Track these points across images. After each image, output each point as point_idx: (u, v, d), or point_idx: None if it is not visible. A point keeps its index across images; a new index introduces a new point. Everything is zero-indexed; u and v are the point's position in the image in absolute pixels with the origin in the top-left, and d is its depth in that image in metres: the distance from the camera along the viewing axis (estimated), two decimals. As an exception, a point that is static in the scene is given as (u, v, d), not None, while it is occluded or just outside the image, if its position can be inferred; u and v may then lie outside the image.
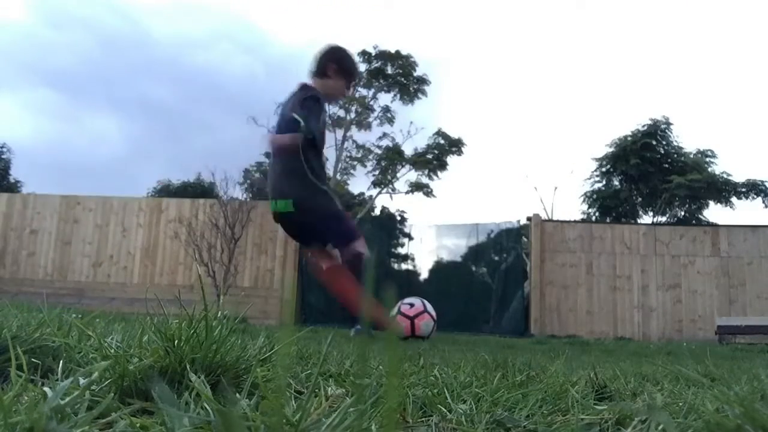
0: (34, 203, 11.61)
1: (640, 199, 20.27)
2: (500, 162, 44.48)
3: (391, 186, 20.56)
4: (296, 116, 4.03)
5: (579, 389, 1.13)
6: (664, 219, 19.57)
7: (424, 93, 20.82)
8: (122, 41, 41.03)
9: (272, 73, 39.32)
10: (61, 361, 0.86)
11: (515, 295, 11.08)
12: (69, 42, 42.66)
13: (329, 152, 19.80)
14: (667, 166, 19.90)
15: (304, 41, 39.33)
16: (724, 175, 19.03)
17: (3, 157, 23.86)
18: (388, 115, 20.57)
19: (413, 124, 22.34)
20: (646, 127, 20.24)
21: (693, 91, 41.01)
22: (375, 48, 20.48)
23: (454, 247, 12.51)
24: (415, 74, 20.67)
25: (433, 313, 5.07)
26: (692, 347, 6.00)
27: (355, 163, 20.67)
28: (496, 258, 11.94)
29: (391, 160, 20.24)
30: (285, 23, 44.55)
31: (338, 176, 20.30)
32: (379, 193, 20.68)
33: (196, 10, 44.75)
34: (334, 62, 4.44)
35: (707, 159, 19.90)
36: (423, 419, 0.89)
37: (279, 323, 9.36)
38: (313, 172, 4.15)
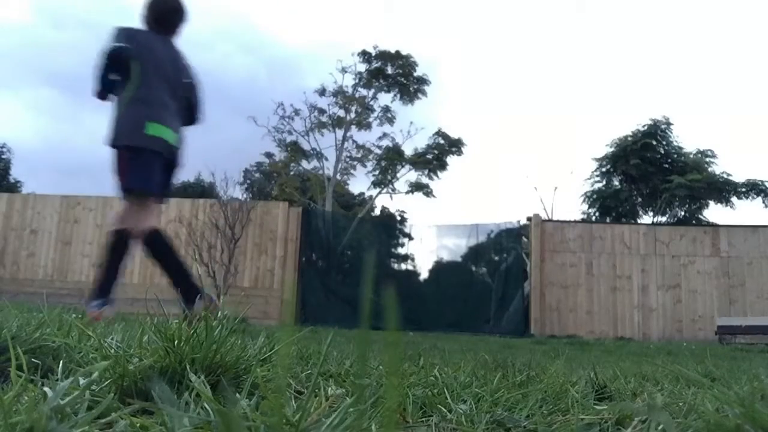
0: (34, 203, 11.61)
1: (640, 199, 20.25)
2: (500, 162, 44.48)
3: (391, 186, 20.57)
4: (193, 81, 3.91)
5: (579, 389, 1.13)
6: (664, 219, 19.55)
7: (424, 93, 20.82)
8: (122, 41, 40.89)
9: (273, 73, 39.32)
10: (61, 361, 0.86)
11: (515, 295, 11.08)
12: (70, 42, 42.69)
13: (329, 152, 19.86)
14: (667, 166, 19.89)
15: (305, 42, 39.39)
16: (724, 175, 19.01)
17: (3, 157, 23.88)
18: (388, 115, 20.57)
19: (413, 124, 22.42)
20: (646, 127, 20.23)
21: (693, 91, 41.00)
22: (375, 48, 20.47)
23: (454, 247, 12.53)
24: (415, 74, 20.67)
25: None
26: (692, 347, 6.01)
27: (355, 163, 20.68)
28: (496, 258, 11.94)
29: (391, 160, 20.24)
30: (286, 24, 44.52)
31: (338, 176, 20.30)
32: (379, 193, 20.69)
33: (197, 10, 44.67)
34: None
35: (707, 159, 19.88)
36: (423, 419, 0.89)
37: (279, 323, 9.36)
38: None
